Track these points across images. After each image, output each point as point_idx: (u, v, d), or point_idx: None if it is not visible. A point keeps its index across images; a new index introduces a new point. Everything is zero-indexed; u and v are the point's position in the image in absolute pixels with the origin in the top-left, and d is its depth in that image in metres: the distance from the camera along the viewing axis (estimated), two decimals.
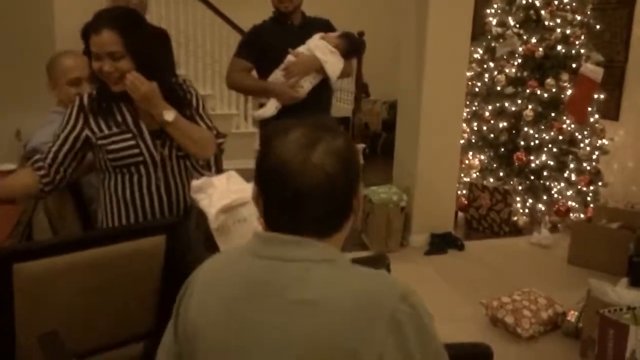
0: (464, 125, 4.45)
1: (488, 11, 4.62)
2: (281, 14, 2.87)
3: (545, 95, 4.33)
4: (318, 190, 0.92)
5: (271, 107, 2.79)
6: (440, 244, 3.94)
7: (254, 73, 2.91)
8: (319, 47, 2.79)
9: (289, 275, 0.92)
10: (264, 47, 2.83)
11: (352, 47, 2.88)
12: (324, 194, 0.93)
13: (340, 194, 0.95)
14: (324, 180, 0.92)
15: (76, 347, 1.44)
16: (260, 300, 0.92)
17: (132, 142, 1.73)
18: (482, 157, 4.56)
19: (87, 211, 2.00)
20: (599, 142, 4.48)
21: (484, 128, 4.55)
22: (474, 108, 4.64)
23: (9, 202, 2.12)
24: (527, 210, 4.36)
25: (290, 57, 2.77)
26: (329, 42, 2.82)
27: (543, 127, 4.32)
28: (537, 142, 4.32)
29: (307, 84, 2.79)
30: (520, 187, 4.38)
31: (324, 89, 2.88)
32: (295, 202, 0.93)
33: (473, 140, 4.62)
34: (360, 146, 6.37)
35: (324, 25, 2.93)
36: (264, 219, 0.99)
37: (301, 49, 2.79)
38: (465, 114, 4.40)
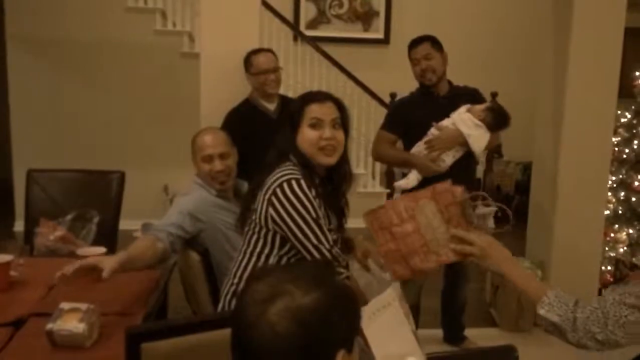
0: (609, 194, 4.08)
1: (638, 73, 4.27)
2: (425, 86, 2.87)
3: None
4: (265, 350, 0.84)
5: (413, 179, 2.79)
6: None
7: (400, 144, 2.95)
8: (464, 120, 2.75)
9: None
10: (409, 120, 2.86)
11: (499, 121, 2.79)
12: (272, 356, 0.84)
13: (296, 358, 0.84)
14: (271, 341, 0.83)
15: None
16: None
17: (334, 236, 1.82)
18: (631, 230, 4.12)
19: (217, 284, 2.06)
20: None
21: (633, 199, 4.13)
22: (621, 176, 4.25)
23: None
24: None
25: (433, 131, 2.76)
26: (475, 115, 2.76)
27: None
28: None
29: (449, 158, 2.76)
30: None
31: (467, 160, 2.83)
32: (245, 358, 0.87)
33: (620, 212, 4.21)
34: (492, 209, 6.07)
35: (471, 95, 2.89)
36: None
37: (446, 122, 2.77)
38: (610, 182, 4.04)
